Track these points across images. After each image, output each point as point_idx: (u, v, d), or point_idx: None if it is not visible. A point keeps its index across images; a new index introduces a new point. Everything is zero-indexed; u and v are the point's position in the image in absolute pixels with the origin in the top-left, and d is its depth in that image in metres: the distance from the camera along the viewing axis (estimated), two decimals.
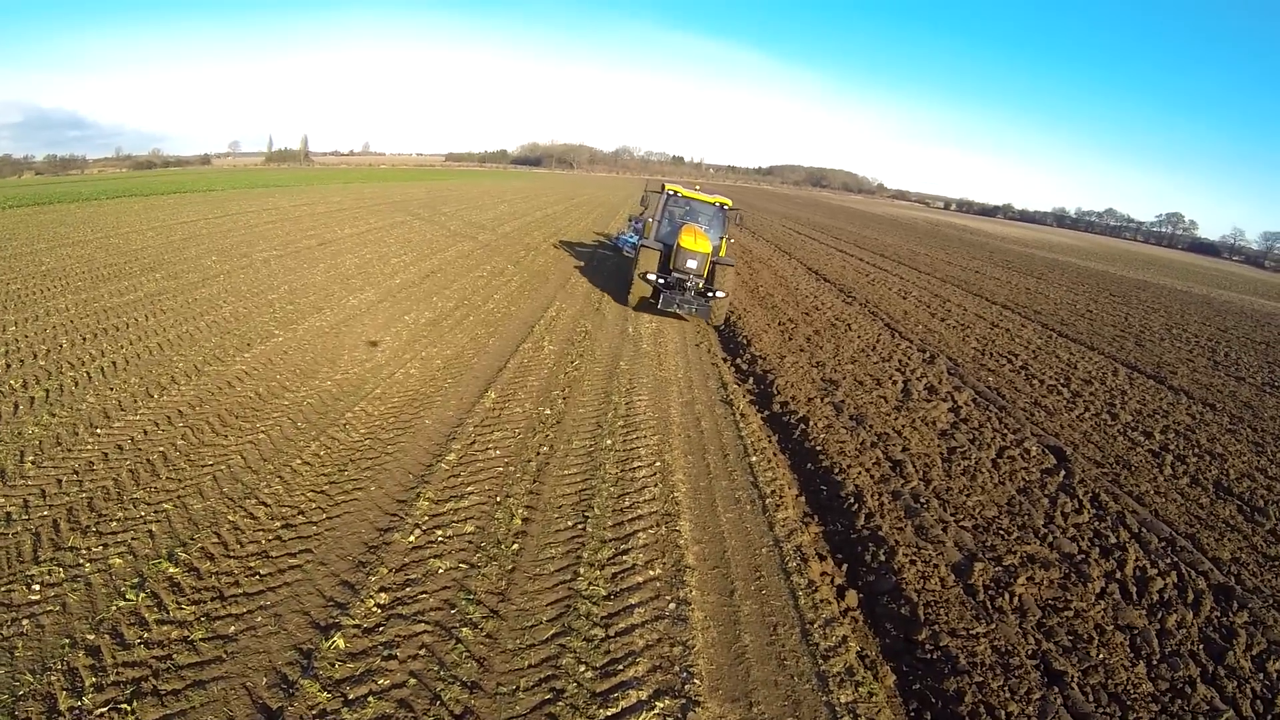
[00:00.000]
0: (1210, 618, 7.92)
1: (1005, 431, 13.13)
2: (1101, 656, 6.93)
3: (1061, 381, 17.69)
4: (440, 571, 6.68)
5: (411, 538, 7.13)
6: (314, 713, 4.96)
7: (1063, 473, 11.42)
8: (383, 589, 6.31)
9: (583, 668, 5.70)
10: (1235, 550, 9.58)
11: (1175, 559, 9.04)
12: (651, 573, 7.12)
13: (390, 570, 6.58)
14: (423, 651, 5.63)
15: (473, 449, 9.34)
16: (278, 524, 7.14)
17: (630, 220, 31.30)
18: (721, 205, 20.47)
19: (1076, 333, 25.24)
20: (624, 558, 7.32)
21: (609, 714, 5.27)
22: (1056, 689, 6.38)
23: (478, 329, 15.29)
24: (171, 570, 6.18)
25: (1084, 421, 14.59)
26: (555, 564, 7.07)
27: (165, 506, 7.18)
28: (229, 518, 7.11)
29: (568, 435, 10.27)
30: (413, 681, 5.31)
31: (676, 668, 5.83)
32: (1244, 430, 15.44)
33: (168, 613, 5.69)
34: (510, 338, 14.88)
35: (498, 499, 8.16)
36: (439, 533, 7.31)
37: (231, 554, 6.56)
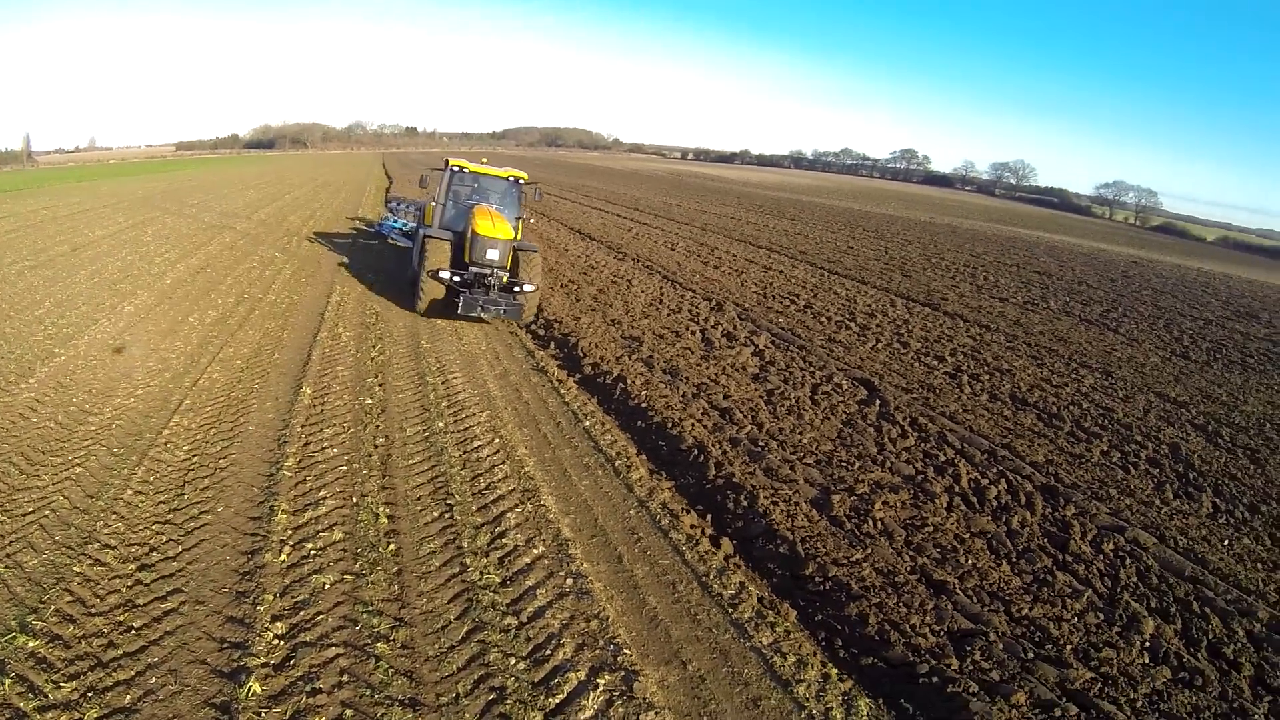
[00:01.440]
0: (1045, 514, 9.42)
1: (812, 369, 14.44)
2: (970, 562, 8.02)
3: (847, 317, 19.63)
4: (327, 587, 6.40)
5: (283, 556, 6.76)
6: None
7: (878, 402, 12.80)
8: (275, 618, 5.94)
9: (513, 660, 5.75)
10: (1046, 453, 11.36)
11: (1000, 468, 10.55)
12: (535, 551, 7.26)
13: (275, 596, 6.21)
14: (345, 678, 5.41)
15: (309, 451, 8.96)
16: (133, 566, 6.45)
17: (388, 204, 29.08)
18: (516, 179, 18.58)
19: (845, 269, 27.94)
20: (503, 540, 7.41)
21: (558, 701, 5.39)
22: (943, 596, 7.32)
23: (267, 322, 14.49)
24: (32, 644, 5.39)
25: (879, 352, 16.34)
26: (439, 558, 7.02)
27: None
28: (75, 569, 6.31)
29: (398, 423, 10.11)
30: (350, 713, 5.11)
31: (601, 642, 6.04)
32: (1020, 346, 18.13)
33: (46, 696, 4.99)
34: (303, 328, 14.24)
35: (354, 500, 7.94)
36: (309, 546, 6.98)
37: (94, 611, 5.85)
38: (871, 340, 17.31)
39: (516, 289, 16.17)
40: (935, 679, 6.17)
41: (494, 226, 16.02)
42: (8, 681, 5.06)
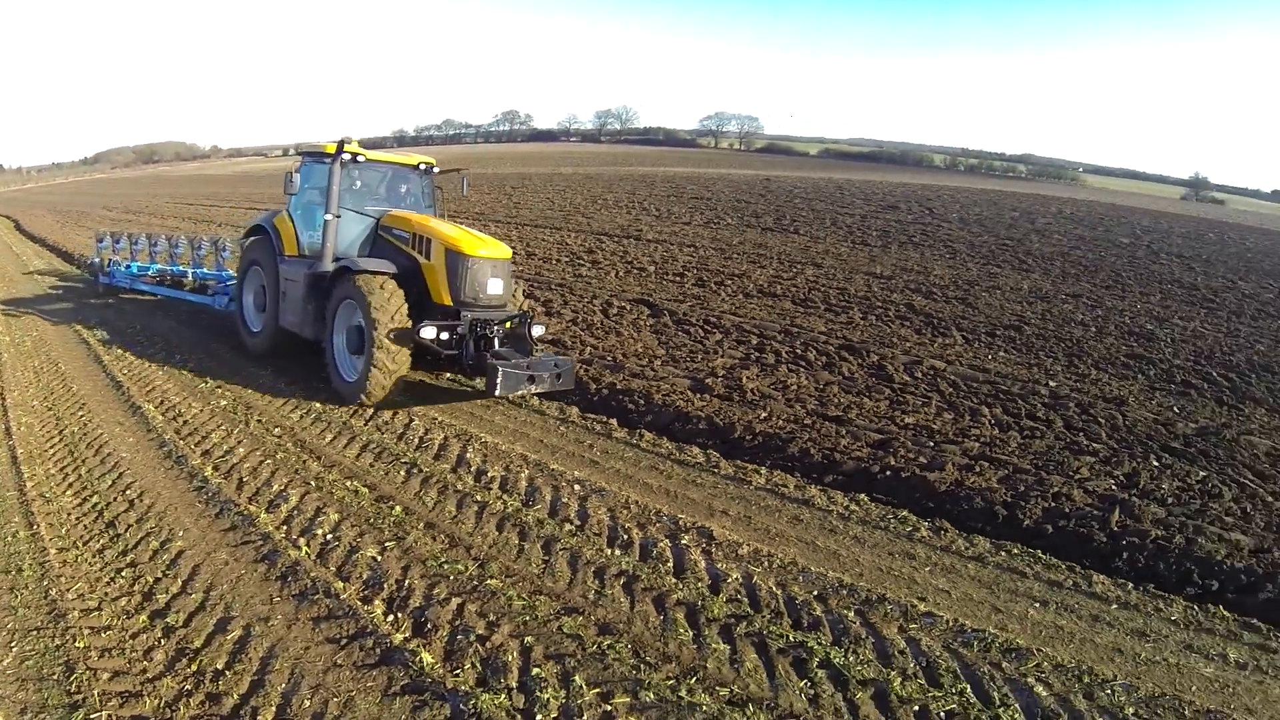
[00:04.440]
0: (859, 363, 11.52)
1: (587, 299, 15.42)
2: (842, 400, 9.69)
3: (573, 257, 20.73)
4: (380, 559, 5.82)
5: (305, 549, 5.95)
6: None
7: (666, 314, 14.14)
8: (364, 599, 5.28)
9: (608, 551, 5.99)
10: (823, 325, 13.46)
11: (801, 340, 12.44)
12: (524, 474, 7.45)
13: (343, 582, 5.49)
14: (493, 615, 5.07)
15: (214, 456, 7.87)
16: (143, 618, 5.07)
17: (101, 242, 19.90)
18: (427, 167, 12.40)
19: (531, 220, 29.70)
20: (488, 475, 7.45)
21: (670, 565, 5.83)
22: (845, 425, 8.74)
23: (30, 360, 11.93)
24: None
25: (628, 278, 17.75)
26: (450, 505, 6.86)
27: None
28: (77, 645, 4.75)
29: (272, 414, 9.48)
30: (530, 639, 4.79)
31: (651, 517, 6.63)
32: (734, 255, 20.89)
33: None
34: (78, 357, 12.01)
35: (311, 482, 7.25)
36: (320, 532, 6.20)
37: (151, 676, 4.51)
38: (611, 271, 18.46)
39: (532, 333, 9.96)
40: (889, 473, 7.52)
41: (481, 240, 10.10)
42: None
